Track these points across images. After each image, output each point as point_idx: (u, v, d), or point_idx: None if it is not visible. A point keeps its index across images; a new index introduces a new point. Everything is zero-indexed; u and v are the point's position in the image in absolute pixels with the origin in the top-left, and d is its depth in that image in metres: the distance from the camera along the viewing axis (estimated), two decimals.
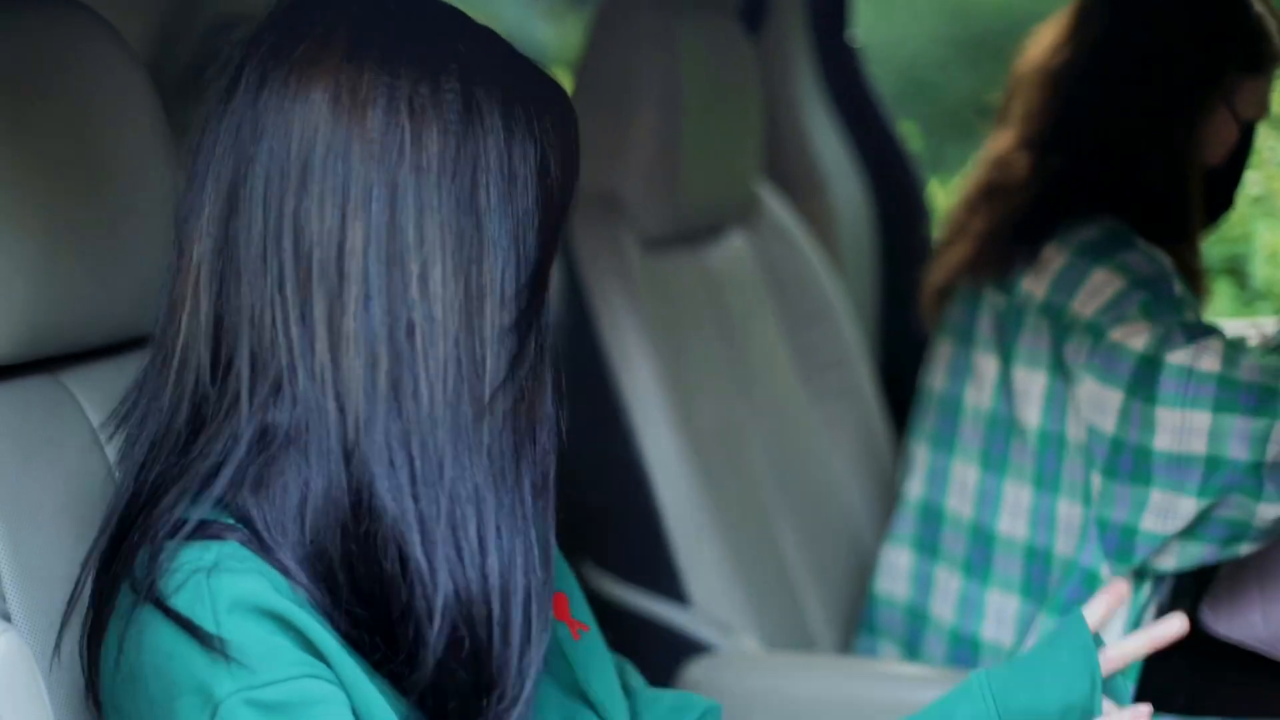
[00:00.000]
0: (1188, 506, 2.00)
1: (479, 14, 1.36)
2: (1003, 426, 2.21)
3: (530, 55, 1.39)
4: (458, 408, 1.31)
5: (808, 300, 2.70)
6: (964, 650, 2.24)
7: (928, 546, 2.30)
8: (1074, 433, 2.14)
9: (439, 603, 1.28)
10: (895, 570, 2.32)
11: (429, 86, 1.30)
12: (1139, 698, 1.51)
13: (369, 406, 1.29)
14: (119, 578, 1.31)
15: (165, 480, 1.32)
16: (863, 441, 2.71)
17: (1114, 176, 2.21)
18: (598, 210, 2.36)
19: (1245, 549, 2.01)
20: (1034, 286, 2.18)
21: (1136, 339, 2.04)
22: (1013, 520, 2.20)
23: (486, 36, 1.37)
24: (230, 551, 1.26)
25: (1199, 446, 1.98)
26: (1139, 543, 2.06)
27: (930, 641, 2.28)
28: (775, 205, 2.70)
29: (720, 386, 2.46)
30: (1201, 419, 1.98)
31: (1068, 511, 2.15)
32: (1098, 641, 1.45)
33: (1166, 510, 2.02)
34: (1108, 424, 2.07)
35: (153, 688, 1.25)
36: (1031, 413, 2.19)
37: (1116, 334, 2.06)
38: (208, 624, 1.22)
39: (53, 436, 1.50)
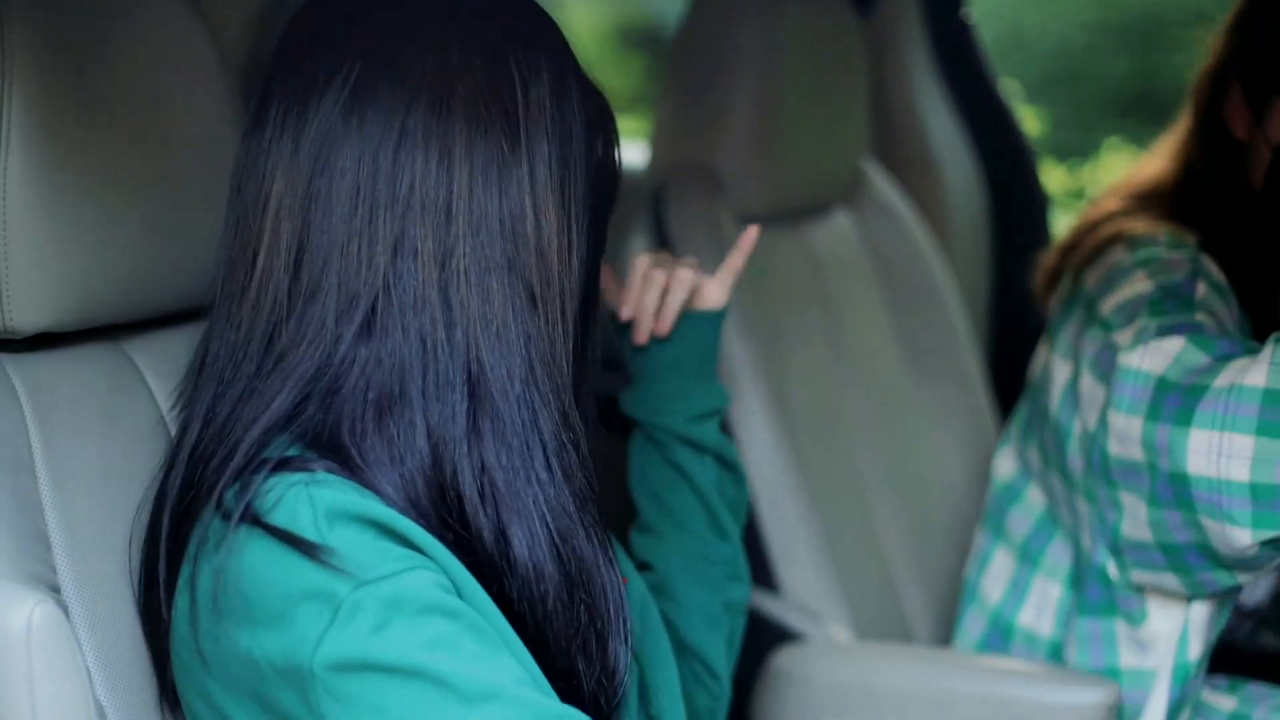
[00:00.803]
0: (1143, 513, 1.86)
1: None
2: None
3: None
4: (544, 350, 1.37)
5: (914, 282, 2.62)
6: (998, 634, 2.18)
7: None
8: (1078, 426, 2.02)
9: (525, 527, 1.33)
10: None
11: (526, 56, 1.36)
12: None
13: (455, 336, 1.33)
14: (194, 513, 1.33)
15: (240, 415, 1.35)
16: (968, 428, 2.62)
17: (1186, 196, 2.10)
18: (693, 184, 2.31)
19: (1243, 579, 1.85)
20: (1090, 279, 2.06)
21: (1123, 337, 1.91)
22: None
23: (552, 22, 1.44)
24: (322, 473, 1.29)
25: (1137, 453, 1.85)
26: (1124, 545, 1.92)
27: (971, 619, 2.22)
28: (883, 184, 2.64)
29: (819, 368, 2.40)
30: (1135, 425, 1.85)
31: (1084, 508, 2.04)
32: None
33: (1135, 515, 1.88)
34: (1090, 419, 1.96)
35: (260, 607, 1.25)
36: (1053, 400, 2.08)
37: (1116, 334, 1.93)
38: (309, 533, 1.24)
39: (113, 404, 1.50)
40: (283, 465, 1.29)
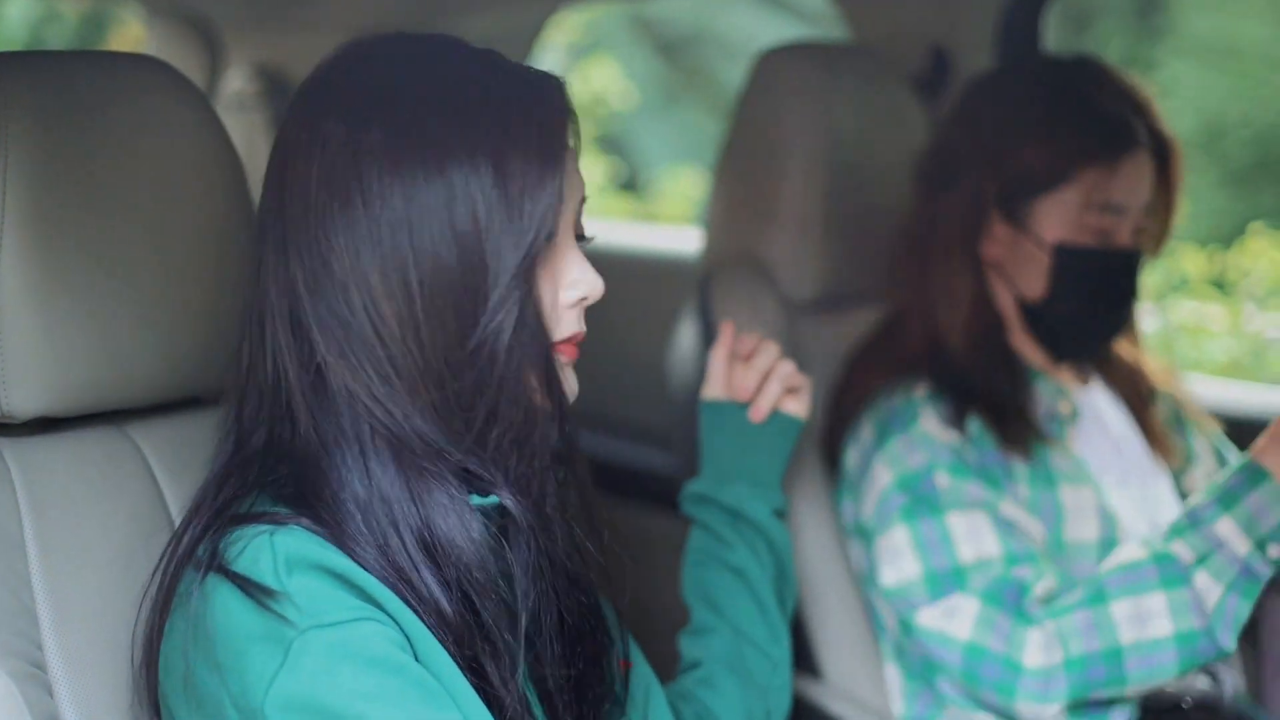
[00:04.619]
0: None
1: None
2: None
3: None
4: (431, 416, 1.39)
5: None
6: None
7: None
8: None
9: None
10: None
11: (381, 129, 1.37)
12: None
13: (331, 407, 1.39)
14: (181, 569, 1.39)
15: (211, 483, 1.44)
16: None
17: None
18: (740, 273, 2.32)
19: None
20: (850, 458, 2.18)
21: (894, 568, 2.04)
22: None
23: (458, 60, 1.43)
24: (292, 525, 1.35)
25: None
26: None
27: None
28: None
29: None
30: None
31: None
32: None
33: None
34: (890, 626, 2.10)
35: (222, 649, 1.31)
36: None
37: (881, 545, 2.05)
38: (268, 579, 1.30)
39: (111, 485, 1.55)
40: (252, 518, 1.36)
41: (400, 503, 1.36)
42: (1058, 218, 2.07)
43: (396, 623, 1.32)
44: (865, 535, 2.09)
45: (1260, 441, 1.89)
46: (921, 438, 2.05)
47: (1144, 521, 2.12)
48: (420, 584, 1.35)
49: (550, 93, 1.41)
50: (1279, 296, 4.37)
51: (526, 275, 1.37)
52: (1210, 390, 2.71)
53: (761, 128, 2.36)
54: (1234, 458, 2.28)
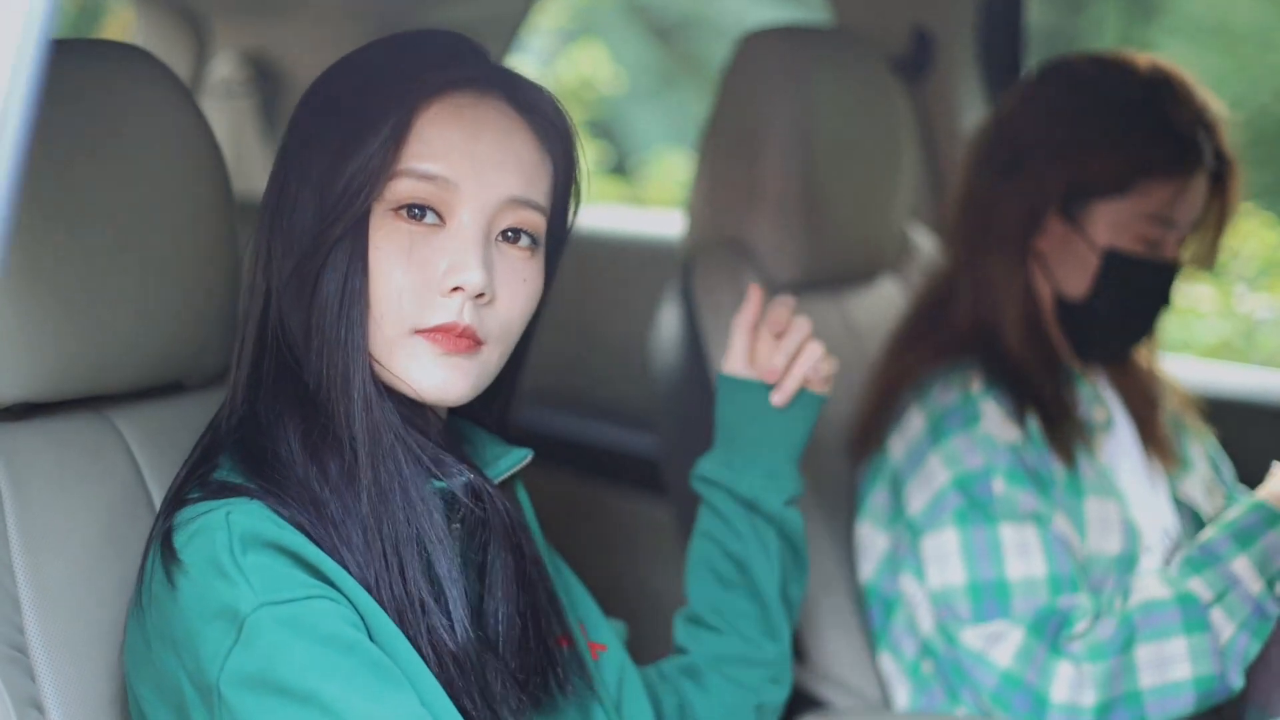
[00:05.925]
0: None
1: None
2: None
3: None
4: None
5: None
6: None
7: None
8: (908, 592, 2.11)
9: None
10: None
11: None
12: None
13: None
14: (153, 539, 1.41)
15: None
16: None
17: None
18: (722, 256, 2.33)
19: None
20: (894, 446, 2.17)
21: (940, 571, 2.04)
22: None
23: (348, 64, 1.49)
24: (254, 502, 1.36)
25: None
26: None
27: None
28: (932, 250, 2.61)
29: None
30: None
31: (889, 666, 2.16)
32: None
33: None
34: (925, 624, 2.09)
35: (178, 626, 1.32)
36: (867, 568, 2.18)
37: (928, 544, 2.05)
38: (223, 556, 1.31)
39: (94, 471, 1.55)
40: (218, 491, 1.38)
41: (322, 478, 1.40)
42: (1113, 223, 2.09)
43: (350, 601, 1.34)
44: (911, 529, 2.08)
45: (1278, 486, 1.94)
46: (983, 439, 2.06)
47: (1156, 532, 2.14)
48: (355, 559, 1.37)
49: (399, 77, 1.44)
50: (1269, 277, 4.37)
51: (350, 246, 1.41)
52: (1201, 371, 2.72)
53: (743, 110, 2.37)
54: (1226, 468, 2.31)
